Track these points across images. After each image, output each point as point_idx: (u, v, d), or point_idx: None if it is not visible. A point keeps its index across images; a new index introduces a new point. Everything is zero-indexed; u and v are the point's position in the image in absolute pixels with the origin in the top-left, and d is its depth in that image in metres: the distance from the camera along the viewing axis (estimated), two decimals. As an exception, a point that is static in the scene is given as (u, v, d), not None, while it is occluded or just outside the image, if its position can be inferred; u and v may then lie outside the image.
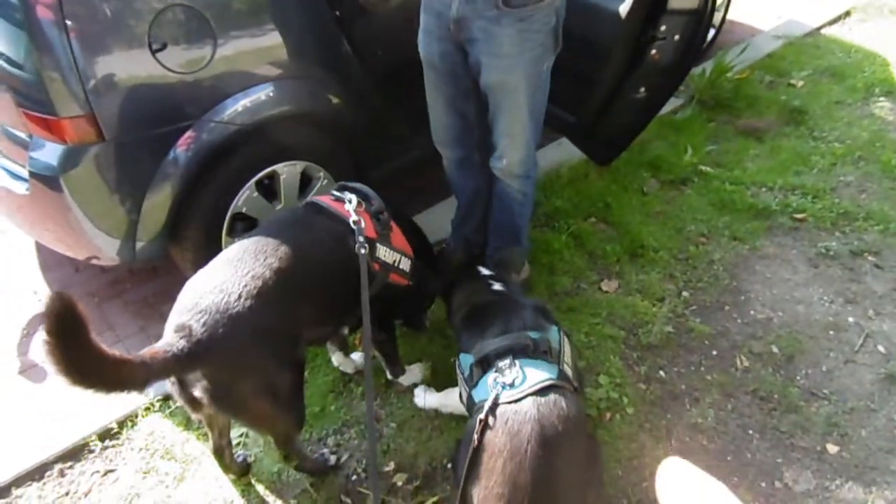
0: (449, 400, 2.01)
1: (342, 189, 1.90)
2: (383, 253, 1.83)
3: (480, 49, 1.95)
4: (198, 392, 1.52)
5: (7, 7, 1.78)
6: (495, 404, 1.44)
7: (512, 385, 1.46)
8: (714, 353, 2.37)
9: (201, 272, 1.62)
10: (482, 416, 1.43)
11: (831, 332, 2.44)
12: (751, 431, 2.10)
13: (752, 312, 2.53)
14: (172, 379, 1.56)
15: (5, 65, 1.87)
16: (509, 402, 1.44)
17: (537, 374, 1.48)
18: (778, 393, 2.20)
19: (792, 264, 2.76)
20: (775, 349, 2.37)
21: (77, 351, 1.27)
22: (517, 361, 1.51)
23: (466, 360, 1.67)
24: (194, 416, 1.74)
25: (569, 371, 1.56)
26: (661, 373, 2.29)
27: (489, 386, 1.49)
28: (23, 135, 2.01)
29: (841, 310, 2.53)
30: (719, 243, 2.86)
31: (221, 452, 1.89)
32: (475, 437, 1.42)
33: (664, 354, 2.35)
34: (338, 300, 1.77)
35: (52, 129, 1.89)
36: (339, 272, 1.72)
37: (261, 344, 1.55)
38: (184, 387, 1.54)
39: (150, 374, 1.40)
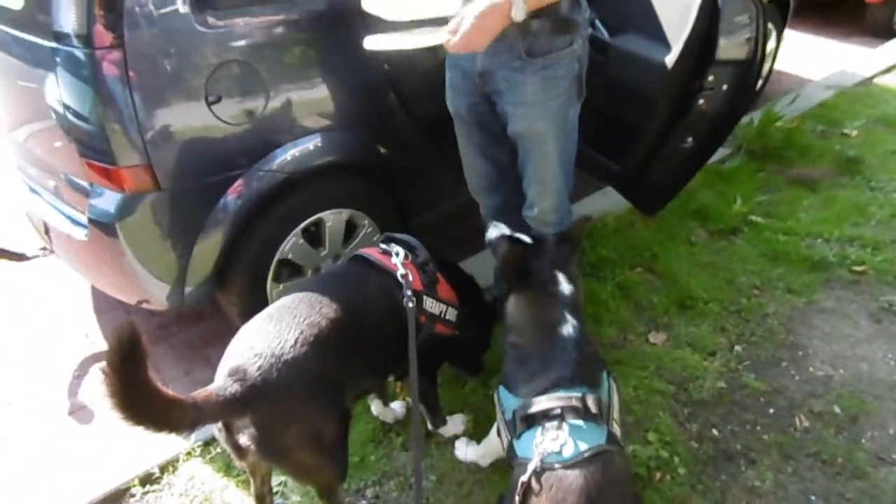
0: (489, 446, 1.95)
1: (388, 240, 1.91)
2: (430, 304, 1.84)
3: (506, 99, 1.97)
4: (244, 439, 1.51)
5: (75, 64, 1.88)
6: (540, 470, 1.37)
7: (559, 453, 1.38)
8: (771, 411, 2.25)
9: (255, 319, 1.64)
10: (525, 478, 1.37)
11: (898, 393, 2.30)
12: (813, 497, 1.97)
13: (810, 369, 2.40)
14: (220, 424, 1.55)
15: (71, 117, 1.96)
16: (555, 469, 1.37)
17: (586, 441, 1.40)
18: (842, 457, 2.07)
19: (853, 319, 2.63)
20: (837, 409, 2.23)
21: (133, 383, 1.27)
22: (565, 425, 1.43)
23: (508, 401, 1.59)
24: (238, 464, 1.73)
25: (617, 430, 1.49)
26: (714, 431, 2.18)
27: (534, 446, 1.42)
28: (84, 183, 2.10)
29: (908, 368, 2.39)
30: (773, 296, 2.76)
31: (263, 500, 1.87)
32: (517, 498, 1.36)
33: (717, 411, 2.25)
34: (386, 352, 1.77)
35: (112, 178, 1.97)
36: (388, 324, 1.73)
37: (313, 392, 1.55)
38: (230, 432, 1.54)
39: (199, 417, 1.41)
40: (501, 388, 1.63)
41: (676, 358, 2.44)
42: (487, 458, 2.03)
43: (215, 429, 1.59)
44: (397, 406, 2.25)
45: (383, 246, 1.86)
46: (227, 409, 1.46)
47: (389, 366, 1.85)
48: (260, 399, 1.46)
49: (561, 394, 1.48)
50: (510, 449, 1.54)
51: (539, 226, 2.22)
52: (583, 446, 1.39)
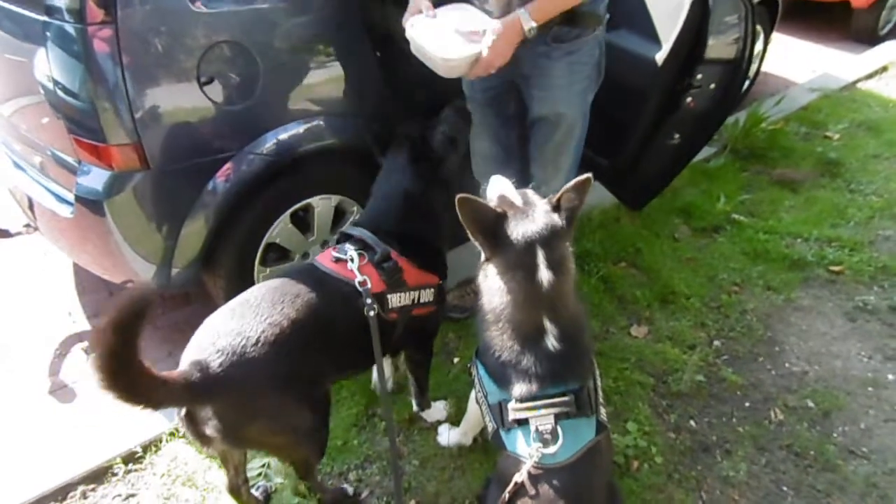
0: (469, 422, 1.97)
1: (343, 239, 1.86)
2: (396, 300, 1.80)
3: (532, 83, 2.01)
4: (209, 430, 1.51)
5: (66, 39, 1.86)
6: (537, 471, 1.36)
7: (554, 456, 1.36)
8: (747, 404, 2.30)
9: (218, 312, 1.63)
10: (519, 479, 1.35)
11: (870, 389, 2.36)
12: (785, 488, 2.02)
13: (786, 365, 2.46)
14: (182, 413, 1.55)
15: (61, 93, 1.94)
16: (549, 469, 1.36)
17: (579, 440, 1.39)
18: (814, 449, 2.13)
19: (828, 317, 2.69)
20: (811, 404, 2.29)
21: (124, 348, 1.30)
22: (559, 427, 1.38)
23: (491, 388, 1.50)
24: (206, 451, 1.74)
25: (604, 414, 1.48)
26: (692, 422, 2.23)
27: (525, 445, 1.39)
28: (71, 160, 2.08)
29: (880, 366, 2.45)
30: (753, 293, 2.81)
31: (238, 490, 1.85)
32: (506, 496, 1.36)
33: (695, 404, 2.30)
34: (357, 351, 1.75)
35: (101, 156, 1.95)
36: (354, 327, 1.69)
37: (276, 389, 1.55)
38: (193, 422, 1.54)
39: (164, 397, 1.42)
40: (481, 368, 1.54)
41: (657, 351, 2.49)
42: (469, 435, 2.04)
43: (177, 418, 1.59)
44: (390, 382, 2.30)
45: (335, 254, 1.77)
46: (189, 396, 1.47)
47: (365, 360, 1.81)
48: (221, 394, 1.48)
49: (552, 393, 1.40)
50: (496, 436, 1.51)
51: None
52: (576, 446, 1.38)
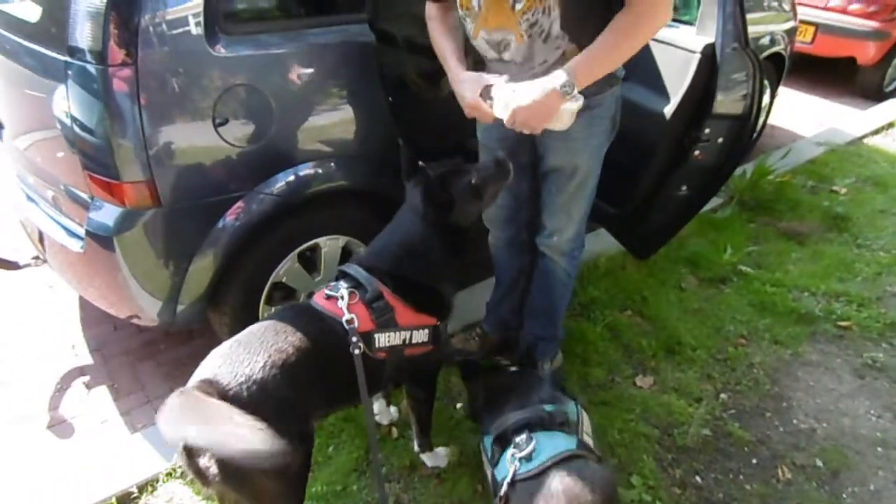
0: None
1: (339, 277, 1.87)
2: (385, 340, 1.79)
3: (550, 135, 1.99)
4: (205, 460, 1.48)
5: (86, 78, 1.90)
6: (514, 481, 1.39)
7: (529, 459, 1.40)
8: (754, 461, 2.25)
9: (224, 344, 1.65)
10: (502, 493, 1.37)
11: (879, 449, 2.31)
12: (793, 551, 1.97)
13: (794, 421, 2.42)
14: (181, 448, 1.53)
15: (78, 129, 1.97)
16: (529, 478, 1.38)
17: (555, 446, 1.42)
18: (823, 511, 2.08)
19: (836, 374, 2.66)
20: (819, 463, 2.25)
21: None
22: (533, 435, 1.46)
23: (489, 441, 1.62)
24: (204, 491, 1.71)
25: (590, 441, 1.50)
26: (698, 478, 2.18)
27: (507, 462, 1.45)
28: (84, 195, 2.10)
29: (890, 426, 2.41)
30: (759, 346, 2.79)
31: None
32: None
33: (700, 459, 2.25)
34: (345, 386, 1.74)
35: (114, 193, 1.98)
36: (343, 364, 1.69)
37: (280, 414, 1.53)
38: (192, 456, 1.52)
39: None
40: (484, 436, 1.66)
41: (662, 403, 2.45)
42: None
43: (177, 454, 1.56)
44: (394, 411, 2.31)
45: (328, 291, 1.79)
46: None
47: (354, 396, 1.76)
48: None
49: (528, 409, 1.54)
50: (493, 481, 1.54)
51: (554, 254, 2.28)
52: (551, 449, 1.41)
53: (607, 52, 1.74)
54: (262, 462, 1.32)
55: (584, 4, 1.80)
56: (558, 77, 1.70)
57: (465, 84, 1.90)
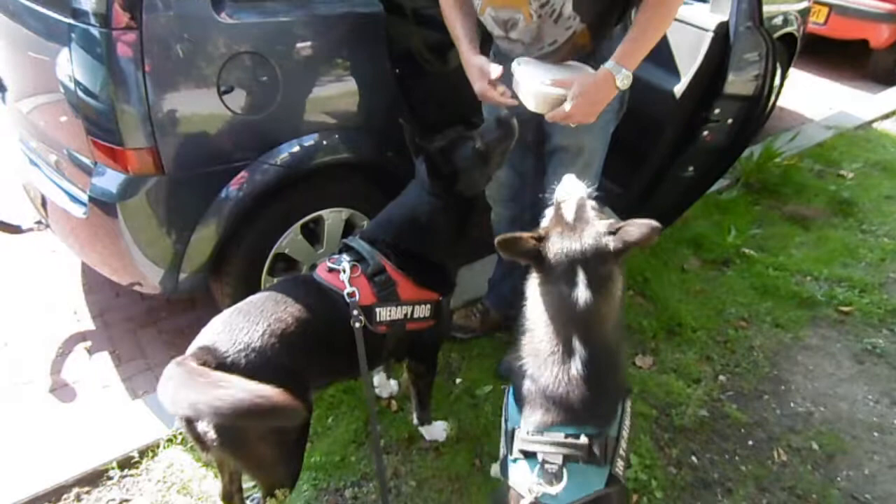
0: None
1: (343, 250, 1.87)
2: (386, 314, 1.79)
3: None
4: (203, 425, 1.50)
5: (89, 41, 1.87)
6: None
7: (555, 498, 1.31)
8: (750, 442, 2.27)
9: (224, 312, 1.66)
10: None
11: (875, 434, 2.32)
12: (786, 532, 1.99)
13: (791, 404, 2.43)
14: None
15: (81, 94, 1.95)
16: None
17: (584, 487, 1.33)
18: (816, 493, 2.09)
19: (836, 358, 2.66)
20: (815, 446, 2.26)
21: None
22: (565, 470, 1.32)
23: (512, 413, 1.46)
24: (204, 457, 1.72)
25: (620, 467, 1.39)
26: (694, 458, 2.20)
27: (531, 483, 1.33)
28: (87, 161, 2.09)
29: (887, 411, 2.42)
30: (760, 329, 2.79)
31: (231, 498, 1.84)
32: None
33: (697, 439, 2.27)
34: (345, 359, 1.75)
35: (117, 159, 1.96)
36: (344, 336, 1.70)
37: (277, 382, 1.50)
38: (191, 420, 1.53)
39: None
40: (511, 392, 1.51)
41: (661, 383, 2.46)
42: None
43: (177, 419, 1.58)
44: (394, 384, 2.32)
45: (330, 265, 1.79)
46: None
47: (353, 368, 1.78)
48: None
49: (566, 435, 1.35)
50: (503, 465, 1.49)
51: None
52: (580, 493, 1.32)
53: (650, 34, 1.75)
54: (259, 411, 1.34)
55: None
56: (618, 73, 1.72)
57: (472, 70, 1.89)
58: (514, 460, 1.41)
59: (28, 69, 2.30)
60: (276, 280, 2.36)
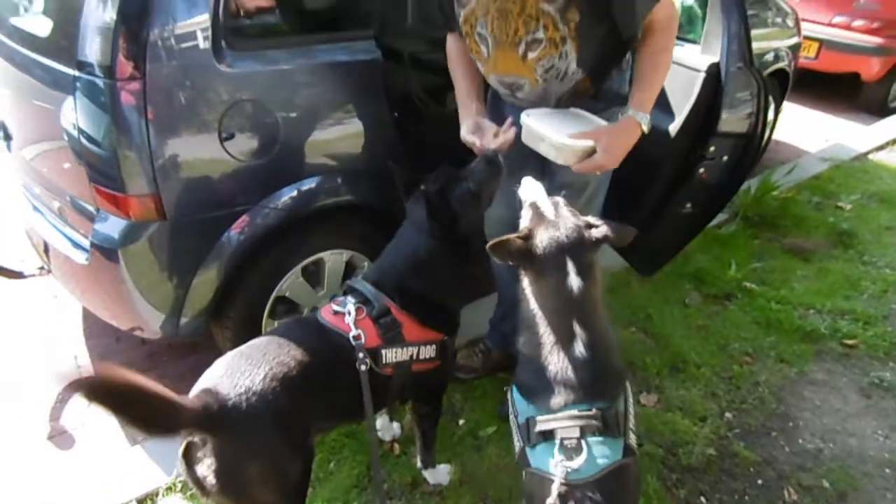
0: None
1: (347, 292, 1.87)
2: (391, 356, 1.78)
3: None
4: (203, 469, 1.48)
5: (94, 90, 1.91)
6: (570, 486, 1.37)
7: (578, 472, 1.37)
8: (759, 482, 2.23)
9: (227, 354, 1.65)
10: (551, 501, 1.35)
11: (887, 471, 2.29)
12: (799, 574, 1.95)
13: (800, 441, 2.40)
14: (181, 452, 1.52)
15: (85, 141, 1.98)
16: (576, 486, 1.36)
17: (605, 457, 1.40)
18: (829, 533, 2.05)
19: (843, 393, 2.64)
20: (826, 484, 2.22)
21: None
22: (584, 443, 1.40)
23: (522, 406, 1.53)
24: (203, 503, 1.70)
25: (633, 440, 1.47)
26: (703, 499, 2.16)
27: (553, 465, 1.39)
28: (90, 207, 2.11)
29: (897, 446, 2.39)
30: (765, 364, 2.77)
31: None
32: None
33: (705, 479, 2.23)
34: (350, 402, 1.72)
35: (119, 205, 1.98)
36: (349, 379, 1.68)
37: (279, 427, 1.54)
38: (191, 464, 1.52)
39: (179, 420, 1.42)
40: (515, 389, 1.57)
41: (667, 421, 2.43)
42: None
43: (178, 462, 1.55)
44: (397, 427, 2.30)
45: (335, 307, 1.78)
46: (197, 420, 1.45)
47: (359, 411, 1.75)
48: (226, 425, 1.46)
49: (579, 410, 1.44)
50: (522, 455, 1.52)
51: None
52: (602, 462, 1.38)
53: (659, 78, 1.87)
54: None
55: (600, 39, 1.83)
56: (642, 119, 1.82)
57: (464, 122, 1.96)
58: (533, 446, 1.46)
59: (33, 117, 2.34)
60: (276, 323, 2.36)
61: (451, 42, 2.06)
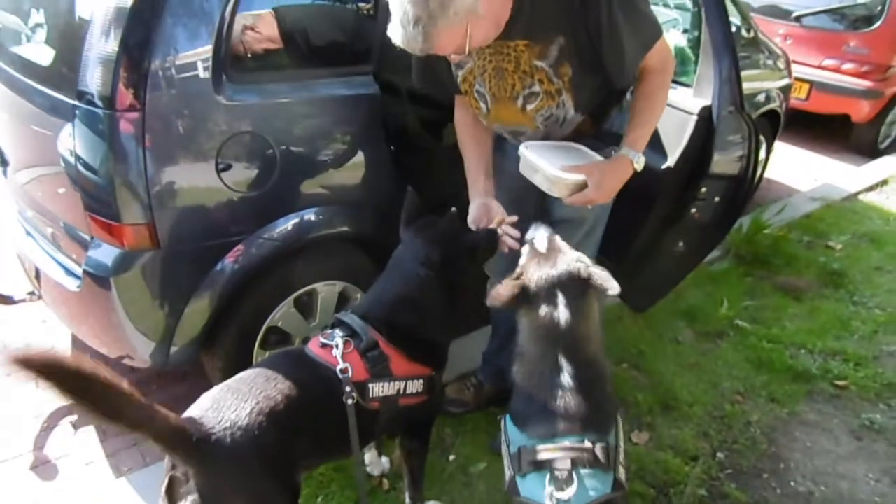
0: None
1: (335, 325, 1.86)
2: (378, 390, 1.76)
3: None
4: None
5: (93, 119, 1.92)
6: None
7: (568, 502, 1.40)
8: (751, 525, 2.22)
9: (215, 388, 1.63)
10: None
11: (878, 515, 2.28)
12: None
13: (792, 484, 2.38)
14: (163, 493, 1.50)
15: (81, 168, 1.98)
16: None
17: (594, 491, 1.41)
18: (821, 579, 2.03)
19: (834, 434, 2.63)
20: (818, 528, 2.21)
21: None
22: (574, 475, 1.42)
23: (514, 435, 1.55)
24: None
25: (622, 474, 1.48)
26: (694, 541, 2.14)
27: (544, 495, 1.42)
28: (84, 234, 2.10)
29: (888, 490, 2.37)
30: (756, 404, 2.76)
31: None
32: None
33: (696, 521, 2.22)
34: (336, 437, 1.71)
35: (114, 233, 1.98)
36: (335, 413, 1.67)
37: (265, 463, 1.52)
38: (174, 499, 1.48)
39: (149, 423, 1.38)
40: (509, 418, 1.60)
41: (658, 460, 2.42)
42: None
43: (160, 500, 1.52)
44: (386, 461, 2.28)
45: (323, 340, 1.77)
46: (176, 442, 1.42)
47: (345, 447, 1.74)
48: (209, 459, 1.44)
49: (570, 442, 1.46)
50: (512, 484, 1.52)
51: None
52: (592, 495, 1.40)
53: (654, 119, 1.91)
54: None
55: (594, 88, 1.88)
56: (634, 157, 1.85)
57: (473, 202, 1.99)
58: (524, 475, 1.47)
59: (29, 142, 2.34)
60: (267, 353, 2.35)
61: (459, 110, 2.09)
